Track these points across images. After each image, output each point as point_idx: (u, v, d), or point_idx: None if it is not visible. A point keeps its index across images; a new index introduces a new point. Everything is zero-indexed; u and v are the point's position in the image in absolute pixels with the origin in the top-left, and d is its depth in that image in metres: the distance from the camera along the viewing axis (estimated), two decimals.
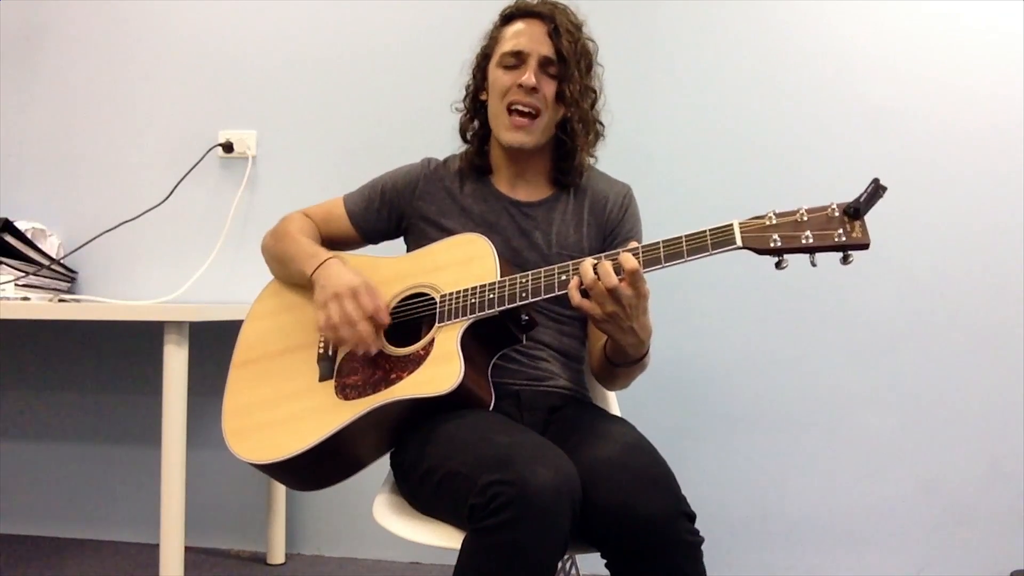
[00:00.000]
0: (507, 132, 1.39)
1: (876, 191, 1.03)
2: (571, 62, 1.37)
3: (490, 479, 1.00)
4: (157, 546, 1.76)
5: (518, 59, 1.38)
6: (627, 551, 1.06)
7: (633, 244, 1.15)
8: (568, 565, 1.50)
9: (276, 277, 1.51)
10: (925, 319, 2.05)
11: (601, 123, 1.47)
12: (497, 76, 1.40)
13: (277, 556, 2.24)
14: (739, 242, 1.08)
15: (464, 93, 1.51)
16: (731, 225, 1.09)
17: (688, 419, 2.12)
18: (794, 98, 2.10)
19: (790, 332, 2.10)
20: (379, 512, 1.25)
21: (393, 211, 1.50)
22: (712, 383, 2.12)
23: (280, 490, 2.24)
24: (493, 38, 1.45)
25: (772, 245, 1.07)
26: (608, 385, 1.43)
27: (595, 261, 1.15)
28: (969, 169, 2.04)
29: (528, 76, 1.35)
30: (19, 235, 2.17)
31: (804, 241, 1.06)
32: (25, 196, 2.42)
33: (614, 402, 1.55)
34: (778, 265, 1.08)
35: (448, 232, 1.41)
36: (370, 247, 1.55)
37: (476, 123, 1.49)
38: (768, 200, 2.06)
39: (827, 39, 2.10)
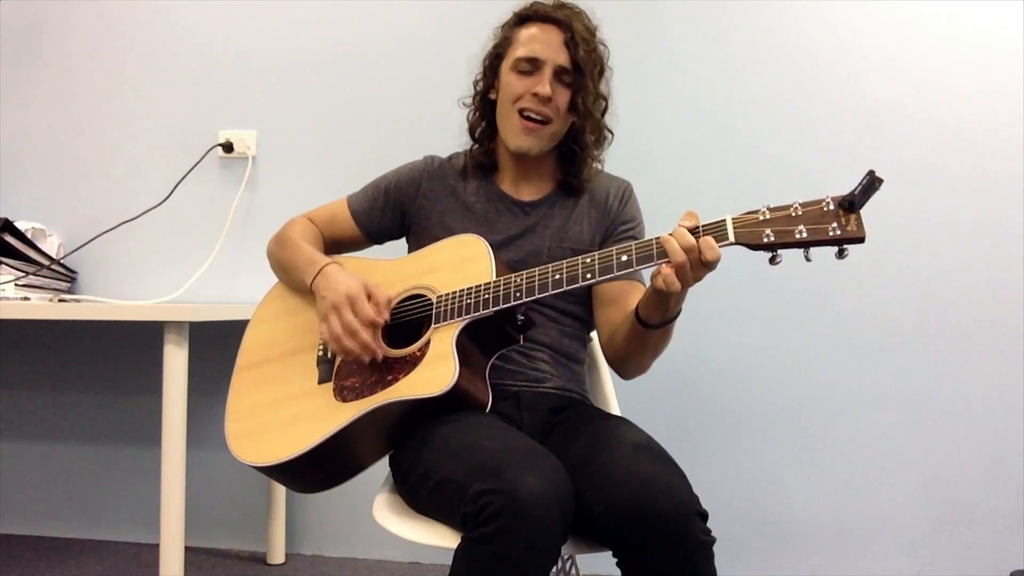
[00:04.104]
0: (515, 136, 1.39)
1: (872, 183, 1.01)
2: (586, 72, 1.37)
3: (481, 488, 1.00)
4: (157, 546, 1.76)
5: (533, 66, 1.37)
6: (641, 551, 1.06)
7: (690, 223, 1.10)
8: (568, 565, 1.50)
9: (281, 282, 1.51)
10: (925, 319, 2.05)
11: (610, 130, 1.47)
12: (510, 80, 1.39)
13: (277, 556, 2.24)
14: (731, 238, 1.07)
15: (473, 90, 1.50)
16: (724, 221, 1.08)
17: (687, 419, 2.12)
18: (793, 97, 2.10)
19: (789, 332, 2.10)
20: (379, 512, 1.25)
21: (397, 210, 1.50)
22: (711, 383, 2.12)
23: (280, 490, 2.24)
24: (506, 38, 1.43)
25: (765, 240, 1.05)
26: (633, 365, 1.36)
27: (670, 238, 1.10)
28: (969, 169, 2.03)
29: (543, 86, 1.34)
30: (19, 235, 2.18)
31: (798, 236, 1.03)
32: (25, 196, 2.42)
33: (614, 403, 1.55)
34: (772, 260, 1.06)
35: (451, 230, 1.41)
36: (374, 248, 1.55)
37: (484, 122, 1.49)
38: (767, 200, 2.07)
39: (827, 39, 2.10)
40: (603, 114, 1.44)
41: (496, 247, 1.33)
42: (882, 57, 2.07)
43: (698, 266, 1.09)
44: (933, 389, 2.04)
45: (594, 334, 1.54)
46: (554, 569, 1.48)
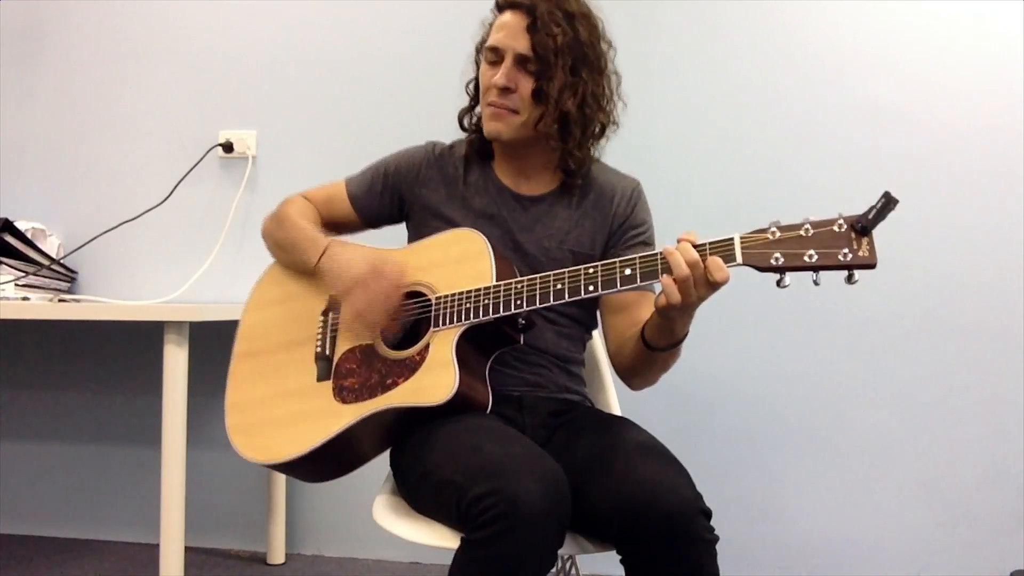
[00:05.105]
0: (485, 122, 1.36)
1: (887, 205, 0.97)
2: (549, 59, 1.29)
3: (479, 491, 1.01)
4: (157, 546, 1.76)
5: (496, 55, 1.33)
6: (645, 548, 1.07)
7: (689, 240, 1.09)
8: (568, 565, 1.50)
9: (278, 262, 1.48)
10: (925, 319, 2.05)
11: (591, 117, 1.36)
12: (482, 71, 1.37)
13: (277, 556, 2.24)
14: (739, 259, 1.05)
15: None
16: (731, 240, 1.06)
17: (688, 419, 2.12)
18: (793, 97, 2.10)
19: (788, 333, 2.10)
20: (379, 512, 1.25)
21: (395, 196, 1.46)
22: (711, 384, 2.12)
23: (280, 490, 2.24)
24: (490, 25, 1.39)
25: (773, 263, 1.04)
26: (641, 380, 1.35)
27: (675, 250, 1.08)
28: (969, 169, 2.03)
29: (498, 76, 1.31)
30: (19, 235, 2.18)
31: (807, 259, 1.02)
32: (25, 196, 2.42)
33: (615, 404, 1.55)
34: (779, 283, 1.04)
35: (449, 221, 1.39)
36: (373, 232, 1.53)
37: (473, 109, 1.45)
38: (768, 201, 2.07)
39: (827, 38, 2.09)
40: (583, 103, 1.34)
41: (494, 243, 1.31)
42: (882, 57, 2.07)
43: (703, 284, 1.07)
44: (934, 390, 2.04)
45: (595, 333, 1.53)
46: (554, 569, 1.48)
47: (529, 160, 1.41)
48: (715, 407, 2.12)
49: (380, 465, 1.35)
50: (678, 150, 2.14)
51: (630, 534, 1.07)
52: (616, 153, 1.49)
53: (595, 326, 1.49)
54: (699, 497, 1.09)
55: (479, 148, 1.44)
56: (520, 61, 1.31)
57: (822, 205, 2.04)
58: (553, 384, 1.36)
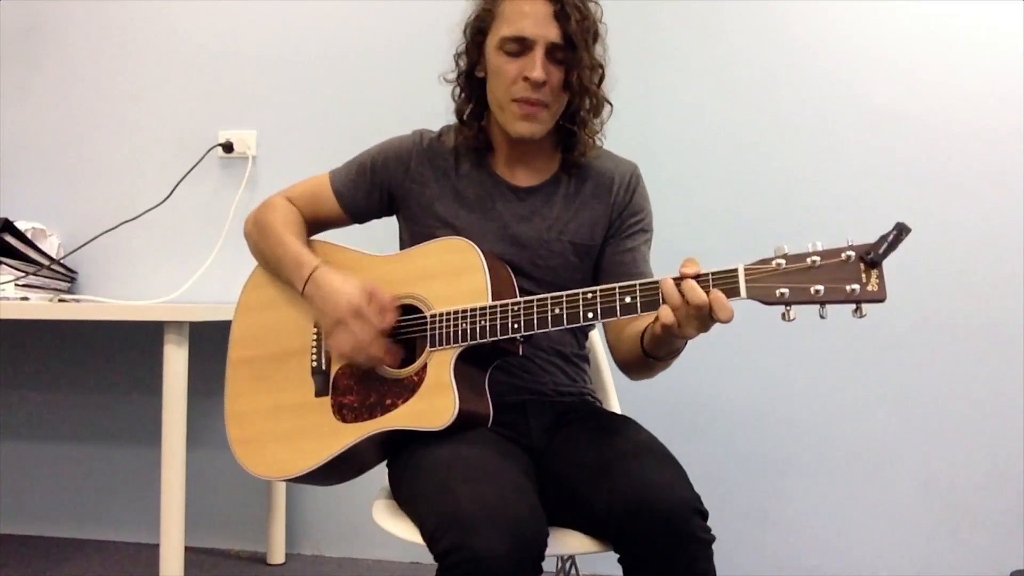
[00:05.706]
0: (515, 123, 1.28)
1: (899, 236, 0.94)
2: (580, 46, 1.24)
3: (445, 546, 0.99)
4: (157, 546, 1.76)
5: (521, 46, 1.24)
6: (641, 547, 1.07)
7: (692, 270, 1.05)
8: (568, 565, 1.50)
9: (262, 268, 1.44)
10: (926, 319, 2.05)
11: (609, 101, 1.35)
12: (499, 63, 1.27)
13: (277, 556, 2.24)
14: (743, 293, 1.03)
15: (455, 65, 1.38)
16: (735, 271, 1.03)
17: (687, 420, 2.12)
18: (793, 96, 2.10)
19: (787, 332, 2.09)
20: (378, 513, 1.25)
21: (384, 191, 1.41)
22: (711, 384, 2.12)
23: (280, 490, 2.24)
24: (488, 11, 1.30)
25: (779, 296, 1.00)
26: (641, 375, 1.33)
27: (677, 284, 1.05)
28: (969, 169, 2.03)
29: (536, 71, 1.23)
30: (19, 235, 2.18)
31: (813, 292, 0.98)
32: (25, 196, 2.42)
33: (615, 402, 1.55)
34: (784, 317, 1.01)
35: (442, 217, 1.35)
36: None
37: (472, 102, 1.37)
38: (768, 200, 2.07)
39: (827, 38, 2.10)
40: (600, 83, 1.31)
41: (490, 237, 1.30)
42: (882, 57, 2.07)
43: (707, 319, 1.05)
44: (934, 389, 2.04)
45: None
46: (554, 569, 1.48)
47: (529, 150, 1.36)
48: (716, 407, 2.12)
49: (380, 467, 1.35)
50: (679, 150, 2.13)
51: (627, 533, 1.07)
52: (616, 149, 1.49)
53: None
54: (696, 497, 1.09)
55: (473, 143, 1.38)
56: (549, 50, 1.24)
57: (821, 203, 2.05)
58: (554, 390, 1.35)
